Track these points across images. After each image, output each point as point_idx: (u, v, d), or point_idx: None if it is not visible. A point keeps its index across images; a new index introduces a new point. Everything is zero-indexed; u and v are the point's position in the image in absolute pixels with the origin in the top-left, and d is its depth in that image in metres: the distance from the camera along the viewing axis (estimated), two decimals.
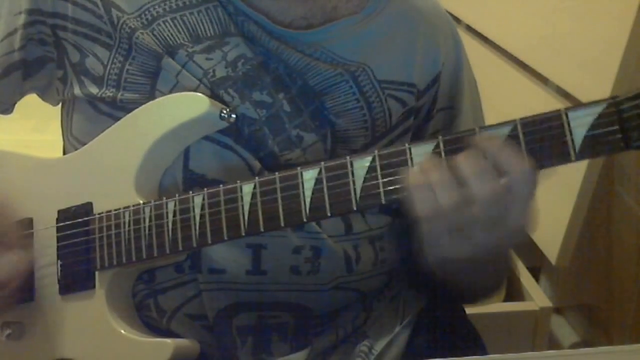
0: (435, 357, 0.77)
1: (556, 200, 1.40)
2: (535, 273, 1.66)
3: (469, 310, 1.03)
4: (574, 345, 1.70)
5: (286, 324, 0.84)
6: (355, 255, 0.86)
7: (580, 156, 0.64)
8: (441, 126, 0.91)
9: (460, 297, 0.97)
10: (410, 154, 0.69)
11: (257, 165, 0.81)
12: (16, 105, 0.95)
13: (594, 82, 1.28)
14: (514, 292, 1.60)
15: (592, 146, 0.63)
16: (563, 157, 0.64)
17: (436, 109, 0.91)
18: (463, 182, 0.66)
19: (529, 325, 1.49)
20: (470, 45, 1.57)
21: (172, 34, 0.82)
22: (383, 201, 0.70)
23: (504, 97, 1.60)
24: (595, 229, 1.55)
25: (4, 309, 0.84)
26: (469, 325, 0.99)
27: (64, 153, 0.93)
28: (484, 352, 0.94)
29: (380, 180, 0.70)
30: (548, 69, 1.49)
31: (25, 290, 0.85)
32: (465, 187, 0.66)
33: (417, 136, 0.90)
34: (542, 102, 1.47)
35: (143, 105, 0.81)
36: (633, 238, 1.48)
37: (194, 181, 0.81)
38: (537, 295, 1.53)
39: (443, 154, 0.68)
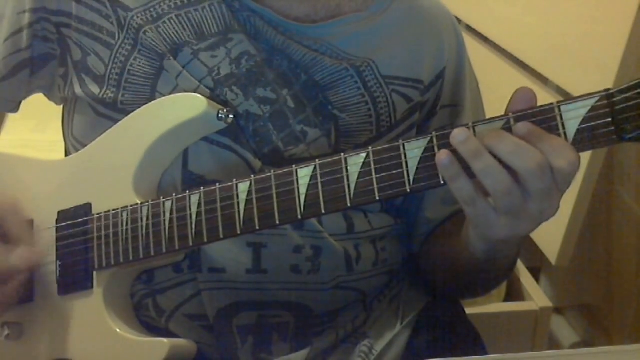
0: (435, 357, 0.77)
1: None
2: (535, 273, 1.66)
3: (469, 310, 1.03)
4: (574, 345, 1.70)
5: (286, 323, 0.84)
6: (356, 254, 0.86)
7: None
8: (444, 123, 0.91)
9: (472, 289, 0.96)
10: (404, 150, 0.69)
11: (257, 164, 0.81)
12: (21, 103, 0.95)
13: (594, 82, 1.28)
14: (514, 292, 1.60)
15: (585, 139, 0.63)
16: None
17: (440, 106, 0.91)
18: (506, 164, 0.64)
19: (529, 325, 1.49)
20: (470, 45, 1.57)
21: (177, 32, 0.83)
22: (377, 197, 0.70)
23: (504, 97, 1.59)
24: (595, 229, 1.55)
25: (5, 306, 0.84)
26: (469, 325, 0.99)
27: (66, 154, 0.94)
28: (484, 352, 0.94)
29: (374, 177, 0.70)
30: (548, 69, 1.49)
31: (25, 290, 0.86)
32: (510, 169, 0.64)
33: (420, 133, 0.90)
34: (542, 102, 1.47)
35: (142, 107, 0.81)
36: (633, 238, 1.48)
37: (193, 182, 0.81)
38: (537, 295, 1.53)
39: (437, 150, 0.68)
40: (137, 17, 0.83)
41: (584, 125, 0.63)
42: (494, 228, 0.69)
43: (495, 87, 1.60)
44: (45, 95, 0.93)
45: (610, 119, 0.62)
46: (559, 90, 1.45)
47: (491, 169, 0.64)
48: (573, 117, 0.64)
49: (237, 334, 0.83)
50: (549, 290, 1.69)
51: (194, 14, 0.83)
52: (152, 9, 0.83)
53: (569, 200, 1.33)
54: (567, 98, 0.65)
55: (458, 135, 0.66)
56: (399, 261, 0.92)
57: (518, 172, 0.64)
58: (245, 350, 0.84)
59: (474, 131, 0.67)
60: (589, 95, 0.64)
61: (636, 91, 0.62)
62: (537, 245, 1.48)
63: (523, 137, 0.64)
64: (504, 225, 0.68)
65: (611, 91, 0.63)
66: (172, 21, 0.83)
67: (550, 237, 1.41)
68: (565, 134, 0.64)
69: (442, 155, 0.66)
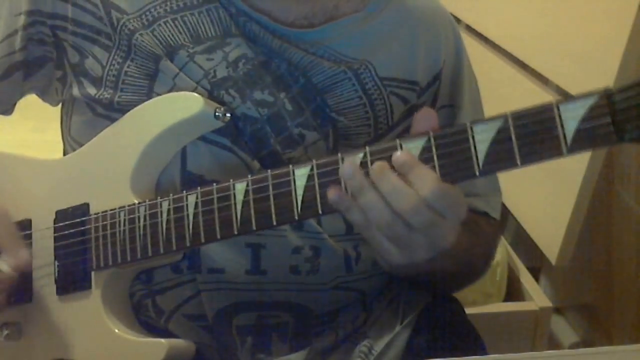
0: (435, 357, 0.76)
1: (556, 201, 1.40)
2: (535, 273, 1.65)
3: (469, 310, 1.03)
4: (574, 345, 1.70)
5: (286, 323, 0.84)
6: (355, 255, 0.86)
7: (572, 149, 0.63)
8: (443, 124, 0.91)
9: (442, 286, 0.97)
10: (402, 149, 0.68)
11: (255, 165, 0.81)
12: (16, 106, 0.95)
13: (594, 82, 1.28)
14: (514, 292, 1.60)
15: (584, 139, 0.63)
16: (555, 150, 0.64)
17: (437, 107, 0.91)
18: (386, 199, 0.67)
19: (529, 325, 1.49)
20: (470, 45, 1.57)
21: (172, 35, 0.82)
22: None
23: (504, 97, 1.59)
24: (595, 229, 1.55)
25: (2, 309, 0.84)
26: (469, 325, 0.98)
27: (65, 154, 0.93)
28: (484, 352, 0.94)
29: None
30: (548, 69, 1.48)
31: (23, 291, 0.86)
32: (389, 203, 0.67)
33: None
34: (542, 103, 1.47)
35: (139, 106, 0.81)
36: (633, 238, 1.48)
37: (192, 182, 0.81)
38: (537, 295, 1.53)
39: (434, 149, 0.67)
40: (133, 20, 0.83)
41: (583, 125, 0.63)
42: (389, 254, 0.71)
43: (495, 87, 1.60)
44: (39, 96, 0.93)
45: (610, 119, 0.62)
46: (558, 90, 1.45)
47: (372, 204, 0.67)
48: (572, 117, 0.63)
49: (237, 335, 0.83)
50: (549, 290, 1.68)
51: (190, 18, 0.83)
52: (147, 13, 0.83)
53: (569, 200, 1.33)
54: (566, 97, 0.64)
55: (345, 170, 0.68)
56: None
57: (397, 211, 0.66)
58: (245, 350, 0.84)
59: (472, 130, 0.66)
60: (589, 94, 0.63)
61: (636, 91, 0.61)
62: (537, 245, 1.48)
63: (399, 167, 0.67)
64: (397, 253, 0.70)
65: (611, 91, 0.62)
66: (167, 24, 0.83)
67: (550, 237, 1.41)
68: (564, 133, 0.63)
69: (331, 193, 0.69)
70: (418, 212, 0.66)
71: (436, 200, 0.66)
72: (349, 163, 0.68)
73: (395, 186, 0.66)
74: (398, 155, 0.67)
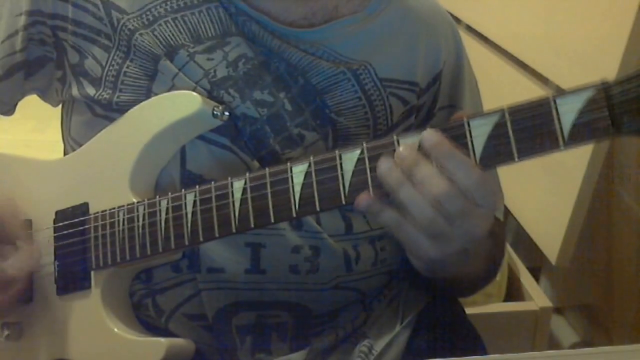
0: (435, 357, 0.76)
1: (556, 201, 1.40)
2: (535, 273, 1.66)
3: (469, 310, 1.03)
4: (574, 345, 1.70)
5: (285, 323, 0.84)
6: (355, 254, 0.86)
7: (569, 142, 0.63)
8: None
9: (458, 290, 0.97)
10: (399, 145, 0.68)
11: (255, 165, 0.81)
12: (17, 106, 0.95)
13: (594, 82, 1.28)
14: (514, 292, 1.60)
15: (581, 132, 0.62)
16: (552, 143, 0.63)
17: (437, 108, 0.91)
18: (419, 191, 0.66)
19: (529, 325, 1.49)
20: (470, 45, 1.57)
21: (173, 34, 0.82)
22: (371, 194, 0.69)
23: (504, 97, 1.59)
24: (595, 229, 1.55)
25: (6, 309, 0.84)
26: (469, 325, 0.98)
27: (65, 154, 0.93)
28: (484, 352, 0.94)
29: (369, 174, 0.69)
30: (548, 69, 1.48)
31: (24, 291, 0.86)
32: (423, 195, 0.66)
33: None
34: None
35: (137, 105, 0.81)
36: (633, 238, 1.48)
37: (191, 181, 0.81)
38: (537, 295, 1.53)
39: None
40: (133, 20, 0.83)
41: (580, 119, 0.62)
42: (422, 250, 0.70)
43: (495, 87, 1.60)
44: (40, 97, 0.93)
45: (607, 112, 0.62)
46: (558, 90, 1.45)
47: (413, 200, 0.67)
48: (569, 110, 0.63)
49: (237, 334, 0.83)
50: (549, 290, 1.68)
51: (190, 17, 0.83)
52: (148, 12, 0.83)
53: (569, 200, 1.33)
54: (563, 91, 0.64)
55: (383, 167, 0.67)
56: (398, 261, 0.92)
57: (433, 198, 0.66)
58: (245, 350, 0.84)
59: (469, 125, 0.66)
60: (585, 87, 0.63)
61: (633, 84, 0.61)
62: (537, 245, 1.48)
63: (430, 148, 0.66)
64: (432, 247, 0.69)
65: (608, 83, 0.62)
66: (168, 24, 0.83)
67: (550, 237, 1.41)
68: (561, 127, 0.63)
69: (361, 201, 0.68)
70: (453, 201, 0.65)
71: (477, 188, 0.66)
72: (385, 159, 0.67)
73: (427, 175, 0.66)
74: (427, 135, 0.66)
